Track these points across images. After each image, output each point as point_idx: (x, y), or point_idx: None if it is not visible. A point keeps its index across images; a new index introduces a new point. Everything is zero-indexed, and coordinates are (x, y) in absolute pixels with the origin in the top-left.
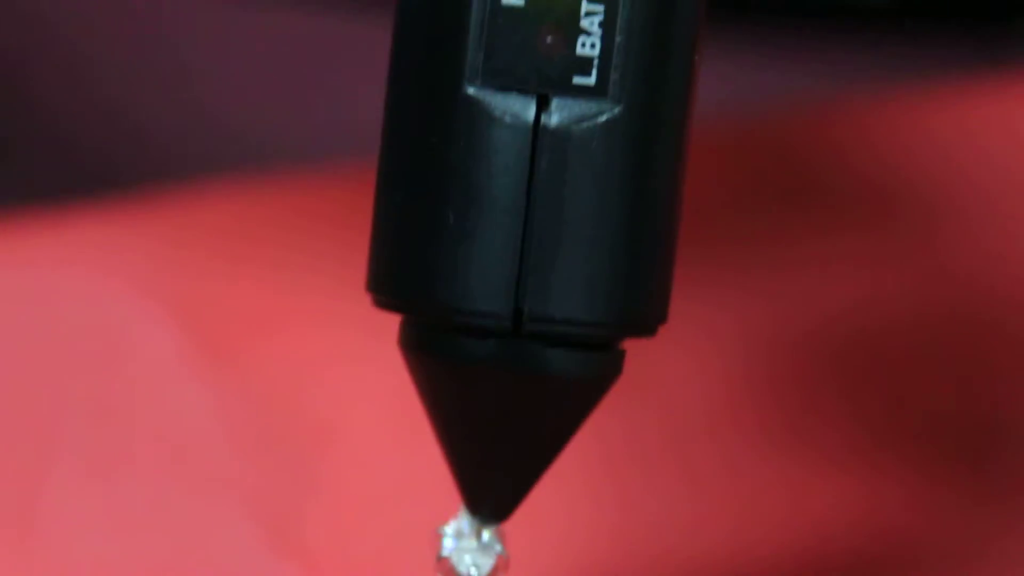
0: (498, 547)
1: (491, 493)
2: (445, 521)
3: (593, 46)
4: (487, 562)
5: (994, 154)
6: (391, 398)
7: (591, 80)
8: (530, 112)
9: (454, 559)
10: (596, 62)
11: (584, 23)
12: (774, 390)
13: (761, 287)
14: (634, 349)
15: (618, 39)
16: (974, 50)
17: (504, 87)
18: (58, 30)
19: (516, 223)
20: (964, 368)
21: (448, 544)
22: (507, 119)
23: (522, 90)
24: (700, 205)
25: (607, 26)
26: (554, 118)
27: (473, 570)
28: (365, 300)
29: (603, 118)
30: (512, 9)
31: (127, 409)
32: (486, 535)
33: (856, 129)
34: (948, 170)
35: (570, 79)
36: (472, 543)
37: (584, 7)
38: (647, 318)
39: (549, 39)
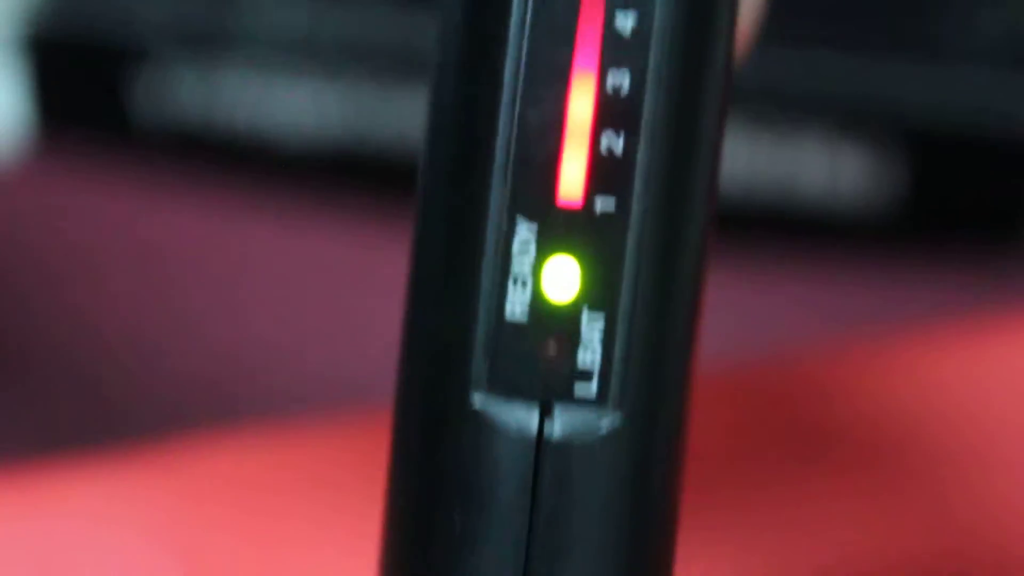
0: None
1: None
2: None
3: (593, 359)
4: None
5: (997, 397)
6: None
7: (592, 391)
8: (533, 423)
9: None
10: (597, 374)
11: (584, 337)
12: None
13: (762, 537)
14: None
15: (617, 352)
16: (976, 270)
17: (508, 398)
18: (66, 271)
19: (520, 530)
20: None
21: None
22: (511, 430)
23: (525, 401)
24: (698, 451)
25: (607, 339)
26: (556, 429)
27: None
28: (375, 555)
29: (604, 428)
30: (515, 323)
31: None
32: None
33: (856, 373)
34: (953, 414)
35: (572, 390)
36: None
37: (584, 321)
38: None
39: (551, 352)
